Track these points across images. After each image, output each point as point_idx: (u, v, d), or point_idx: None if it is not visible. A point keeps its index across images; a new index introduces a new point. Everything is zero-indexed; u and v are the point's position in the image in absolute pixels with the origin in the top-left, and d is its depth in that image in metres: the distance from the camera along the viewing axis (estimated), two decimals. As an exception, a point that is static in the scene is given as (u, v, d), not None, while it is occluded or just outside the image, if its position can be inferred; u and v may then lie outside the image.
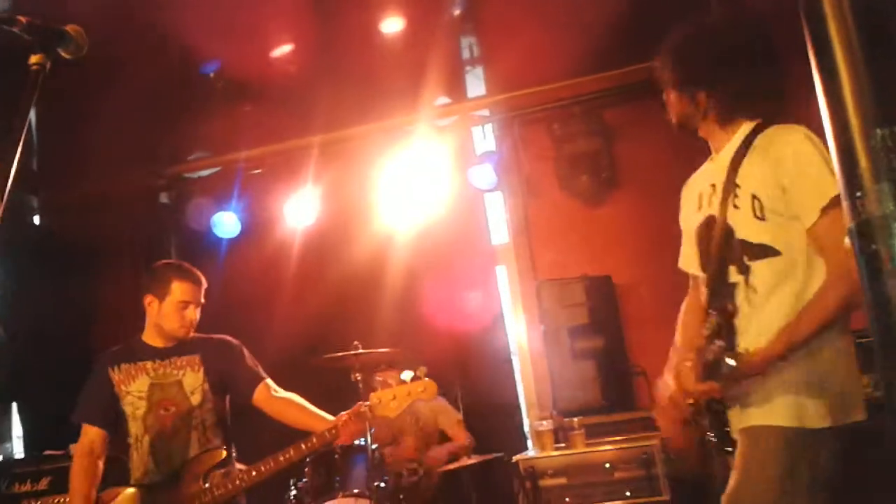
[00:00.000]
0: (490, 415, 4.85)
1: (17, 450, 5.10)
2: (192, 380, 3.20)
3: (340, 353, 3.73)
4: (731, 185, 2.13)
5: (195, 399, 3.17)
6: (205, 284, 3.29)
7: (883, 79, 1.00)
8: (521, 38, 4.88)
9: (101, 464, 3.14)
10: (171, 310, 3.19)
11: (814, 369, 2.02)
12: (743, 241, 2.10)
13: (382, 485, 3.54)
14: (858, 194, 1.01)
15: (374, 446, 3.66)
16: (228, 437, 3.27)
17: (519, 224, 5.28)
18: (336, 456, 3.62)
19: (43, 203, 5.67)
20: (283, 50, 5.36)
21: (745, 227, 2.09)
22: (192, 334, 3.26)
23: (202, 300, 3.27)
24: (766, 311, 2.08)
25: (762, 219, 2.06)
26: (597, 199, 5.03)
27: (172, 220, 5.67)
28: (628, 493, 3.76)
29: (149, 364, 3.20)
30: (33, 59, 1.49)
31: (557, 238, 5.14)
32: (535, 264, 5.17)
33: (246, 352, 3.34)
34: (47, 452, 4.25)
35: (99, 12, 3.21)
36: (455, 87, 5.41)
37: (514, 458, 3.99)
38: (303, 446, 2.96)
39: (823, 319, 1.99)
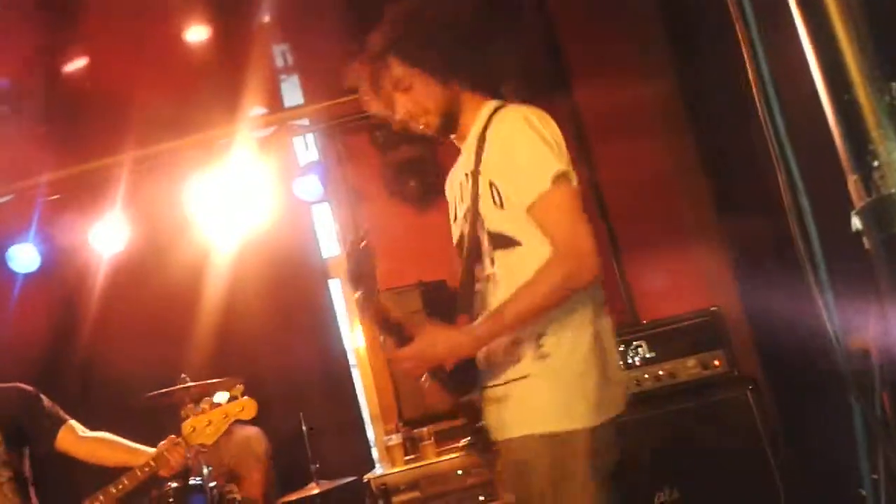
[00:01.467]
0: (335, 435, 4.69)
1: None
2: None
3: (166, 389, 3.48)
4: (476, 173, 2.05)
5: None
6: None
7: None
8: (336, 44, 4.77)
9: None
10: None
11: (573, 363, 1.92)
12: (488, 232, 2.02)
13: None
14: (875, 164, 0.82)
15: (212, 484, 3.42)
16: (28, 493, 2.99)
17: (350, 234, 5.14)
18: (171, 500, 3.34)
19: None
20: (78, 65, 4.93)
21: (488, 216, 2.02)
22: None
23: None
24: (498, 300, 1.99)
25: (500, 206, 1.98)
26: (426, 204, 4.99)
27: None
28: (482, 498, 3.73)
29: None
30: None
31: (390, 246, 5.02)
32: (370, 274, 5.05)
33: (43, 397, 3.10)
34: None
35: None
36: (271, 96, 5.20)
37: (366, 478, 3.86)
38: (121, 484, 2.79)
39: (542, 297, 1.88)
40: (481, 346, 1.97)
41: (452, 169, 2.27)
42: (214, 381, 3.63)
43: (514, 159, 1.95)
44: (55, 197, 4.99)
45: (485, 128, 2.06)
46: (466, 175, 2.11)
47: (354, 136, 5.16)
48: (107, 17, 4.65)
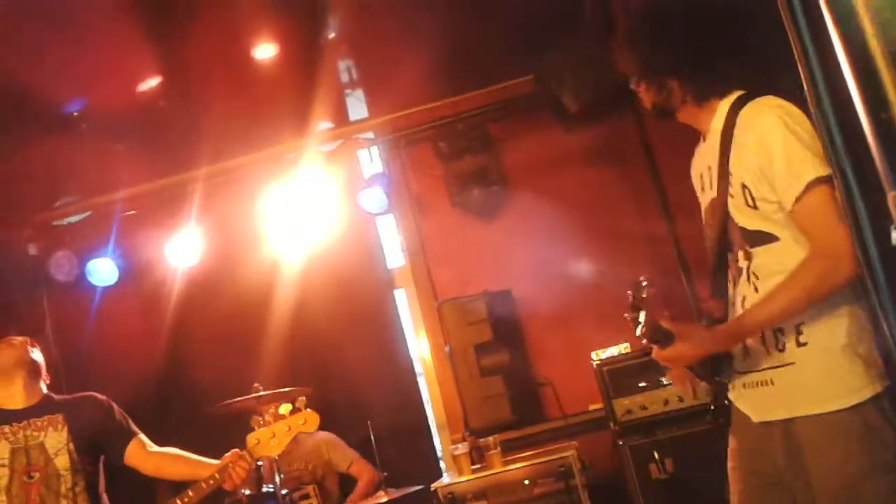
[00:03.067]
0: (402, 443, 4.73)
1: None
2: (54, 440, 3.01)
3: (239, 399, 3.55)
4: (724, 172, 2.12)
5: (60, 462, 2.98)
6: (28, 344, 3.16)
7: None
8: (400, 58, 4.83)
9: None
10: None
11: (834, 345, 1.99)
12: (742, 229, 2.09)
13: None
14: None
15: (284, 491, 3.49)
16: (100, 501, 3.09)
17: (414, 245, 5.20)
18: (247, 505, 3.43)
19: None
20: (151, 84, 5.09)
21: (741, 215, 2.09)
22: (47, 387, 3.14)
23: (29, 360, 3.13)
24: (755, 292, 2.09)
25: (754, 207, 2.04)
26: (489, 213, 5.01)
27: (43, 271, 5.27)
28: (549, 509, 3.71)
29: (6, 428, 3.02)
30: None
31: (454, 256, 5.09)
32: (435, 284, 5.10)
33: (115, 407, 3.19)
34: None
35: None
36: (337, 111, 5.29)
37: (433, 486, 3.88)
38: (186, 496, 2.84)
39: (800, 292, 1.96)
40: (740, 342, 2.10)
41: (694, 157, 2.34)
42: (285, 389, 3.68)
43: (772, 163, 1.99)
44: (132, 212, 5.18)
45: (728, 125, 2.11)
46: (709, 167, 2.19)
47: (418, 148, 5.22)
48: (180, 36, 4.80)
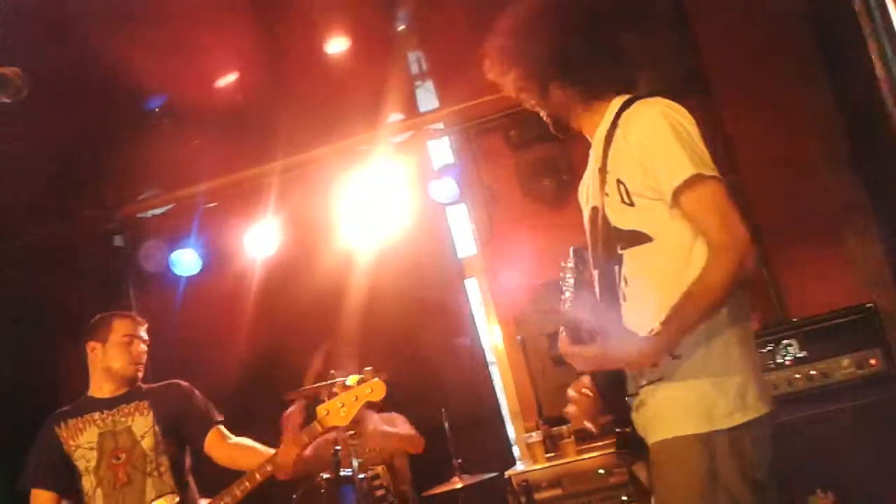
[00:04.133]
0: (475, 431, 4.77)
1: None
2: (141, 424, 3.11)
3: (317, 384, 3.64)
4: (603, 172, 2.00)
5: (146, 443, 3.08)
6: (145, 324, 3.27)
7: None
8: (468, 48, 4.83)
9: None
10: (116, 348, 3.15)
11: (709, 363, 1.87)
12: (616, 229, 1.96)
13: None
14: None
15: (361, 475, 3.57)
16: (185, 481, 3.17)
17: (485, 234, 5.22)
18: (322, 491, 3.51)
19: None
20: (229, 79, 5.24)
21: (616, 214, 1.96)
22: (140, 378, 3.22)
23: (146, 339, 3.24)
24: (637, 302, 1.94)
25: (630, 204, 1.93)
26: (560, 201, 4.99)
27: (129, 263, 5.49)
28: (625, 498, 3.69)
29: (96, 415, 3.12)
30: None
31: (525, 244, 5.08)
32: (506, 273, 5.10)
33: (198, 394, 3.28)
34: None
35: (38, 54, 3.08)
36: (407, 102, 5.34)
37: (507, 474, 3.91)
38: (243, 485, 2.94)
39: (712, 297, 1.82)
40: (667, 352, 1.87)
41: (585, 173, 2.22)
42: (359, 376, 3.73)
43: (655, 156, 1.89)
44: (213, 204, 5.35)
45: (612, 125, 2.01)
46: (593, 175, 2.08)
47: (488, 137, 5.23)
48: (256, 33, 4.92)
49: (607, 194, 1.98)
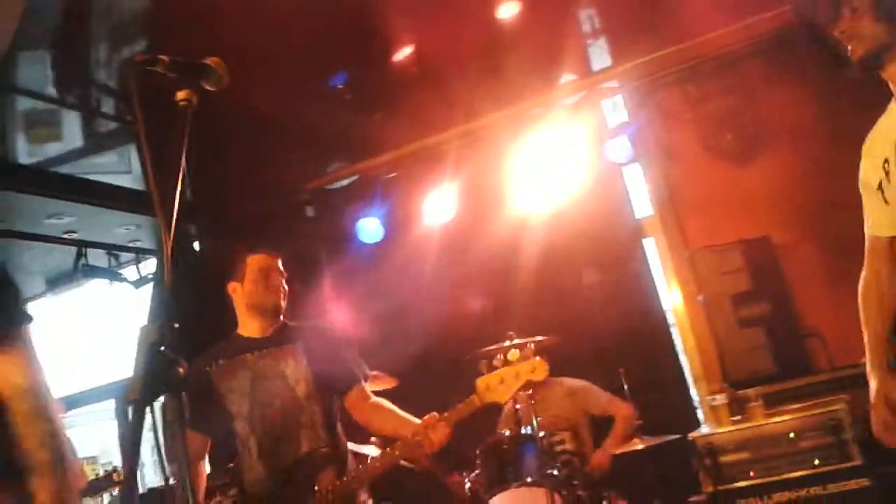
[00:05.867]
0: (654, 393, 4.71)
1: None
2: (294, 370, 2.97)
3: (493, 347, 3.70)
4: None
5: (301, 390, 2.94)
6: (279, 258, 3.12)
7: None
8: (642, 1, 4.69)
9: (202, 469, 3.09)
10: (253, 283, 3.02)
11: None
12: None
13: (555, 473, 3.50)
14: None
15: (541, 434, 3.64)
16: (336, 433, 3.04)
17: (663, 193, 5.09)
18: (505, 446, 3.62)
19: (200, 229, 6.00)
20: (406, 52, 5.41)
21: None
22: (284, 309, 3.08)
23: (283, 271, 3.10)
24: None
25: None
26: (744, 157, 4.76)
27: (319, 231, 5.87)
28: (817, 462, 3.53)
29: (248, 357, 2.99)
30: (180, 95, 1.55)
31: (706, 203, 4.91)
32: (686, 233, 4.96)
33: (350, 343, 3.16)
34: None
35: (233, 42, 3.33)
36: (580, 62, 5.28)
37: (691, 436, 3.85)
38: (378, 461, 2.82)
39: None
40: None
41: (874, 129, 2.03)
42: (536, 338, 3.76)
43: None
44: (393, 174, 5.59)
45: None
46: None
47: (665, 93, 5.06)
48: (428, 4, 5.03)
49: None
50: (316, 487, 2.78)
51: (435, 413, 2.79)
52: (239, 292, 3.07)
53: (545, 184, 5.00)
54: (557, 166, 4.94)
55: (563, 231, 5.00)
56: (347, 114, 5.38)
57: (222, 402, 2.96)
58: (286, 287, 3.09)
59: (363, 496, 2.93)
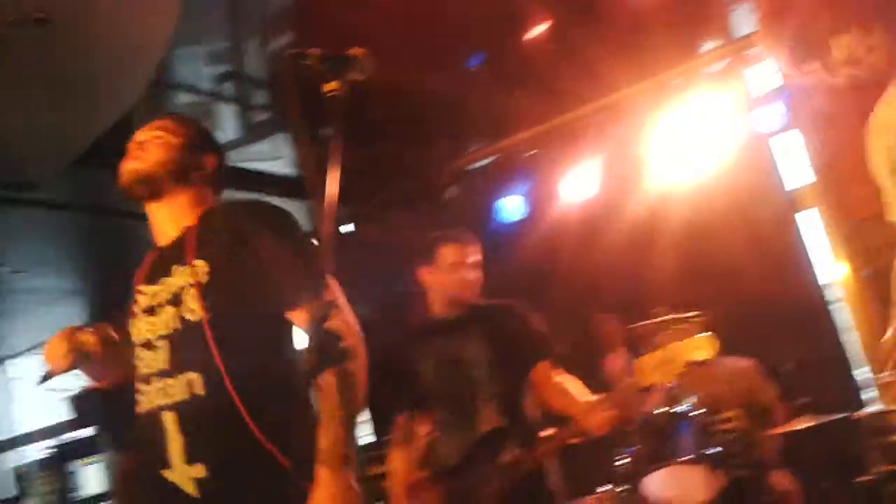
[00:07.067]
0: (812, 371, 4.49)
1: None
2: (478, 349, 3.02)
3: (641, 323, 3.63)
4: None
5: (484, 369, 2.99)
6: (475, 244, 3.12)
7: None
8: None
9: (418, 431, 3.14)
10: (444, 274, 3.04)
11: None
12: None
13: (714, 451, 3.41)
14: None
15: (698, 412, 3.56)
16: (518, 411, 3.04)
17: (819, 161, 4.82)
18: (661, 424, 3.57)
19: (350, 213, 6.24)
20: (543, 27, 5.38)
21: None
22: (474, 298, 3.09)
23: (477, 261, 3.09)
24: None
25: None
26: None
27: (460, 212, 5.95)
28: None
29: (434, 337, 3.08)
30: (329, 86, 1.62)
31: (867, 170, 4.59)
32: (845, 203, 4.67)
33: (535, 320, 3.12)
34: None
35: (374, 26, 3.43)
36: (722, 29, 5.06)
37: (858, 415, 3.64)
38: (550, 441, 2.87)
39: None
40: None
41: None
42: (685, 315, 3.65)
43: None
44: (533, 152, 5.58)
45: None
46: None
47: (820, 54, 4.76)
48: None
49: None
50: (502, 464, 2.84)
51: (594, 399, 2.79)
52: (428, 277, 3.11)
53: (688, 156, 4.85)
54: (701, 138, 4.78)
55: (709, 206, 4.84)
56: (486, 92, 5.42)
57: (410, 379, 3.08)
58: (477, 273, 3.09)
59: (547, 470, 2.96)
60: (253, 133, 5.53)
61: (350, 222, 6.24)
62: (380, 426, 5.43)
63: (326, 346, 1.43)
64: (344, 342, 1.57)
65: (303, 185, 5.09)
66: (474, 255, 3.10)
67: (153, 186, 2.00)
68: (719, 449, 3.43)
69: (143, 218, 2.04)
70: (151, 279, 1.98)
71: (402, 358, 3.13)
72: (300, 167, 5.53)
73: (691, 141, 4.81)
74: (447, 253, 3.06)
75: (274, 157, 5.71)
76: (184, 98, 5.12)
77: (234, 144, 5.53)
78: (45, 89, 1.87)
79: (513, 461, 2.85)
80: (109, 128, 4.35)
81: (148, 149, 2.00)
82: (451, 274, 3.04)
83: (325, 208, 1.54)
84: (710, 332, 2.67)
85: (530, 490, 2.87)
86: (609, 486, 3.56)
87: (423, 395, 3.06)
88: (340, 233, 6.18)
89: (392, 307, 5.44)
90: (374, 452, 4.59)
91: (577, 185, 5.22)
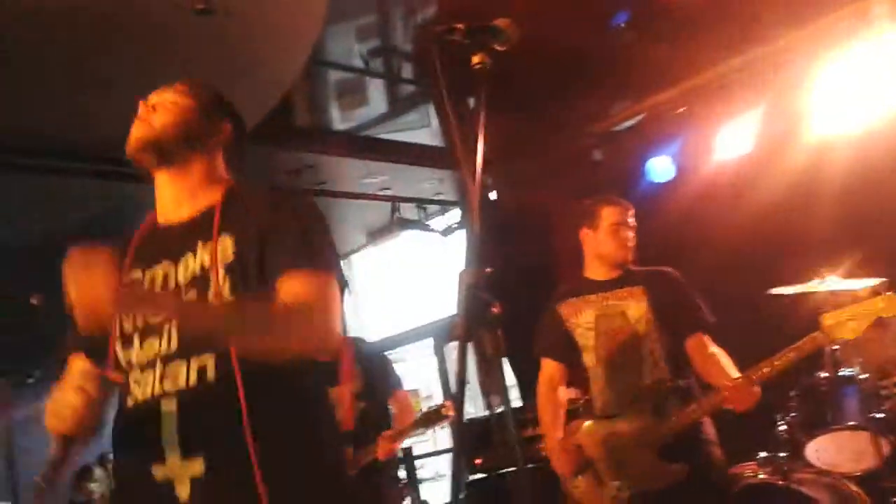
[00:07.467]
0: None
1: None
2: (636, 310, 3.13)
3: (802, 288, 3.46)
4: None
5: (641, 328, 3.10)
6: (631, 209, 3.29)
7: None
8: None
9: (560, 393, 3.32)
10: (606, 234, 3.21)
11: None
12: None
13: (880, 416, 3.25)
14: None
15: (863, 376, 3.39)
16: (683, 371, 3.12)
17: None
18: (823, 388, 3.43)
19: (495, 180, 6.30)
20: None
21: None
22: (631, 260, 3.25)
23: (633, 223, 3.26)
24: None
25: None
26: None
27: (608, 175, 5.87)
28: None
29: (593, 297, 3.22)
30: (475, 59, 1.66)
31: None
32: None
33: (690, 289, 3.21)
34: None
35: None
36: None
37: None
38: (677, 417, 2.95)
39: None
40: None
41: None
42: (853, 280, 3.48)
43: None
44: (682, 109, 5.39)
45: None
46: None
47: None
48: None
49: None
50: (662, 416, 2.97)
51: (742, 376, 2.83)
52: (590, 239, 3.29)
53: (853, 107, 4.52)
54: (867, 86, 4.44)
55: (879, 160, 4.48)
56: (631, 49, 5.28)
57: (572, 335, 3.25)
58: (634, 238, 3.26)
59: (705, 426, 3.05)
60: (401, 105, 5.69)
61: (496, 189, 6.33)
62: (527, 391, 5.52)
63: (477, 312, 1.45)
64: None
65: (450, 155, 5.20)
66: (632, 217, 3.26)
67: (163, 152, 1.84)
68: (885, 415, 3.25)
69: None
70: (154, 259, 1.83)
71: (558, 314, 3.27)
72: (447, 137, 5.64)
73: (857, 90, 4.50)
74: (609, 213, 3.23)
75: (421, 125, 5.86)
76: (335, 75, 5.31)
77: (383, 118, 5.71)
78: (211, 76, 1.99)
79: (676, 414, 2.95)
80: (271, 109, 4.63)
81: (159, 111, 1.86)
82: (612, 234, 3.20)
83: (473, 176, 1.59)
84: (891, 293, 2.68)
85: (688, 444, 2.95)
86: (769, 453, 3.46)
87: (580, 348, 3.20)
88: (488, 199, 6.29)
89: (539, 270, 5.51)
90: (522, 416, 4.69)
91: (730, 142, 5.01)
